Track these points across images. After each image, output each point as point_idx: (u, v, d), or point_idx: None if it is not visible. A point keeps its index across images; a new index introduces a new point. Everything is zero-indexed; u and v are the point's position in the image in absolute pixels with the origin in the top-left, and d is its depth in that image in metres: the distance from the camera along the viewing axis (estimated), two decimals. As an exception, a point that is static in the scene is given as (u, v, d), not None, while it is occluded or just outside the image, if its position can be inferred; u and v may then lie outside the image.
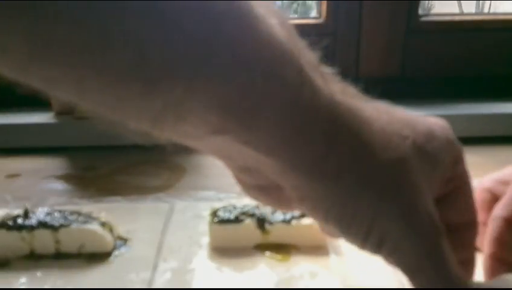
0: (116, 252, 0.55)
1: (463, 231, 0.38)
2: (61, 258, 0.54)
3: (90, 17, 0.23)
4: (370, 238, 0.32)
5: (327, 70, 0.31)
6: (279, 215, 0.55)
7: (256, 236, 0.55)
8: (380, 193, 0.31)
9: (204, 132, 0.28)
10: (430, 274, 0.33)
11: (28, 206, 0.57)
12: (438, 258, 0.33)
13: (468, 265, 0.39)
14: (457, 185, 0.37)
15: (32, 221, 0.54)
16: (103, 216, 0.56)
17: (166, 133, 0.30)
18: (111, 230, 0.55)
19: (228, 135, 0.28)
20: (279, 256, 0.53)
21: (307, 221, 0.54)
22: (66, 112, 0.86)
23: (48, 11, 0.23)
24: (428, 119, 0.36)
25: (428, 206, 0.33)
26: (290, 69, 0.28)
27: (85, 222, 0.54)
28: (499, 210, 0.45)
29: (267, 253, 0.54)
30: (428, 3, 1.32)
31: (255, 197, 0.37)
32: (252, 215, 0.55)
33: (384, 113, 0.33)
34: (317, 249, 0.54)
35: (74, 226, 0.54)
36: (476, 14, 1.23)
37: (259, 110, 0.28)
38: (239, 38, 0.26)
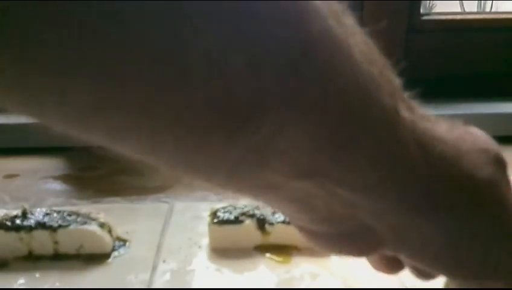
0: (115, 253, 0.55)
1: None
2: (59, 259, 0.54)
3: (169, 49, 0.19)
4: (487, 265, 0.30)
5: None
6: (279, 216, 0.54)
7: (256, 237, 0.54)
8: (490, 217, 0.30)
9: (288, 177, 0.25)
10: None
11: (26, 206, 0.56)
12: None
13: None
14: None
15: (31, 221, 0.53)
16: (102, 217, 0.55)
17: (241, 186, 0.26)
18: (110, 231, 0.55)
19: (318, 178, 0.25)
20: (279, 258, 0.53)
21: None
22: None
23: (124, 44, 0.18)
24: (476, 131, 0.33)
25: None
26: (384, 93, 0.25)
27: (84, 223, 0.54)
28: None
29: (268, 254, 0.53)
30: (430, 3, 1.32)
31: (329, 248, 0.32)
32: (252, 215, 0.54)
33: (457, 132, 0.31)
34: (318, 250, 0.53)
35: (73, 226, 0.53)
36: (477, 13, 1.23)
37: (357, 144, 0.24)
38: (333, 63, 0.23)
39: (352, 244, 0.30)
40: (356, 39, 0.24)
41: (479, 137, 0.31)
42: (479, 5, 1.43)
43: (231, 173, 0.24)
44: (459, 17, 0.92)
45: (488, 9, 1.41)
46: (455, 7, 1.33)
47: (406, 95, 0.28)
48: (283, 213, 0.31)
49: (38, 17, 0.18)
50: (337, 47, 0.23)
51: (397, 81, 0.27)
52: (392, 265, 0.35)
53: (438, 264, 0.31)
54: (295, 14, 0.21)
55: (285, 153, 0.23)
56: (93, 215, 0.55)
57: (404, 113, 0.26)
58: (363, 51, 0.24)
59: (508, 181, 0.31)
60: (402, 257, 0.32)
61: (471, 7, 1.39)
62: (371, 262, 0.37)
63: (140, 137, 0.22)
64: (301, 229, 0.31)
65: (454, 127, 0.30)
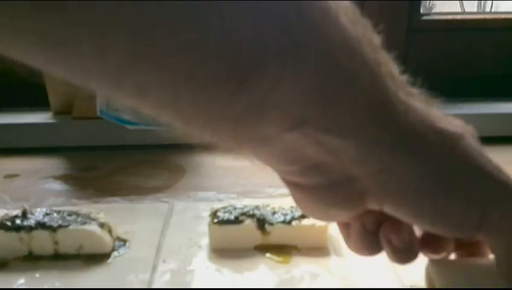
0: (115, 253, 0.54)
1: None
2: (59, 259, 0.53)
3: (189, 17, 0.23)
4: (469, 213, 0.32)
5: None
6: (279, 216, 0.54)
7: (256, 237, 0.54)
8: (466, 159, 0.32)
9: (281, 128, 0.28)
10: None
11: (27, 206, 0.56)
12: None
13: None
14: None
15: (31, 222, 0.53)
16: (102, 217, 0.55)
17: (243, 138, 0.29)
18: (110, 231, 0.55)
19: (308, 127, 0.28)
20: (279, 258, 0.53)
21: (308, 222, 0.53)
22: (64, 112, 0.86)
23: (151, 13, 0.23)
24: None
25: None
26: (368, 48, 0.28)
27: (84, 223, 0.54)
28: None
29: (268, 254, 0.53)
30: (429, 3, 1.32)
31: (318, 199, 0.34)
32: (252, 216, 0.54)
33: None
34: (318, 250, 0.54)
35: (73, 227, 0.53)
36: (477, 13, 1.23)
37: (344, 93, 0.28)
38: (323, 25, 0.26)
39: (339, 196, 0.33)
40: (343, 5, 0.28)
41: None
42: (479, 5, 1.43)
43: (235, 124, 0.27)
44: (459, 17, 0.92)
45: (488, 9, 1.40)
46: (455, 7, 1.33)
47: (387, 55, 0.31)
48: (276, 169, 0.34)
49: None
50: (326, 13, 0.26)
51: (378, 40, 0.30)
52: (370, 243, 0.37)
53: (419, 213, 0.32)
54: None
55: (281, 105, 0.27)
56: (93, 215, 0.55)
57: (383, 65, 0.30)
58: (349, 15, 0.28)
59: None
60: (386, 209, 0.33)
61: (471, 7, 1.39)
62: (350, 242, 0.39)
63: (163, 91, 0.26)
64: (293, 184, 0.34)
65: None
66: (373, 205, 0.33)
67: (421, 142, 0.31)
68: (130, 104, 0.28)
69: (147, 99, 0.27)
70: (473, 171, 0.32)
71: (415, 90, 0.32)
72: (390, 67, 0.30)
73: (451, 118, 0.34)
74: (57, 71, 0.26)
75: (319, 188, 0.33)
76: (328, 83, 0.27)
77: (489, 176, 0.32)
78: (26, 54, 0.25)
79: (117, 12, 0.22)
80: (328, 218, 0.39)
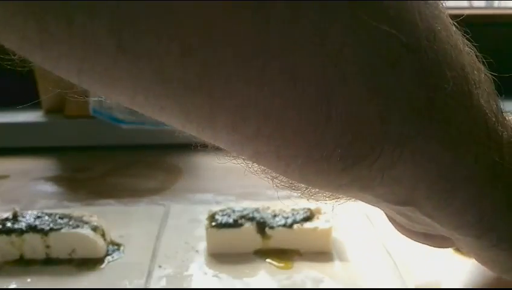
0: (108, 258, 0.53)
1: None
2: (51, 263, 0.52)
3: (316, 101, 0.22)
4: None
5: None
6: (280, 219, 0.53)
7: (256, 241, 0.53)
8: None
9: (386, 201, 0.27)
10: None
11: (17, 209, 0.55)
12: None
13: None
14: None
15: (22, 225, 0.52)
16: (95, 220, 0.54)
17: (344, 195, 0.28)
18: (103, 235, 0.54)
19: (411, 206, 0.27)
20: (280, 263, 0.51)
21: (310, 225, 0.52)
22: (56, 110, 0.84)
23: (283, 93, 0.21)
24: None
25: None
26: (493, 144, 0.26)
27: (76, 226, 0.52)
28: None
29: (268, 259, 0.52)
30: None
31: (416, 239, 0.34)
32: (252, 219, 0.53)
33: None
34: (321, 255, 0.53)
35: (65, 230, 0.52)
36: (486, 8, 1.22)
37: (456, 193, 0.26)
38: (455, 116, 0.24)
39: (435, 242, 0.33)
40: (481, 88, 0.26)
41: None
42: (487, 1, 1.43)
43: (337, 190, 0.26)
44: (467, 11, 0.91)
45: (495, 6, 1.40)
46: (461, 2, 1.33)
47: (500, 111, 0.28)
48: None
49: None
50: (460, 104, 0.24)
51: (497, 103, 0.28)
52: None
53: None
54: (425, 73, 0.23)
55: (389, 185, 0.25)
56: (86, 218, 0.54)
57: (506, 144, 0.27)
58: (484, 99, 0.26)
59: None
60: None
61: (478, 2, 1.39)
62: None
63: (277, 161, 0.24)
64: (390, 219, 0.34)
65: None
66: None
67: None
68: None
69: (260, 164, 0.26)
70: None
71: None
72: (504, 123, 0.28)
73: None
74: (189, 131, 0.24)
75: (417, 234, 0.33)
76: (443, 179, 0.25)
77: None
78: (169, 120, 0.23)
79: (255, 99, 0.21)
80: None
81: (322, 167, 0.24)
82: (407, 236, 0.34)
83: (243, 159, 0.26)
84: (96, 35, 0.18)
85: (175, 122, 0.23)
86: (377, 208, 0.33)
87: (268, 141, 0.23)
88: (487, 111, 0.25)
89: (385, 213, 0.34)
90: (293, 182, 0.27)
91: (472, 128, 0.25)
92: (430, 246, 0.34)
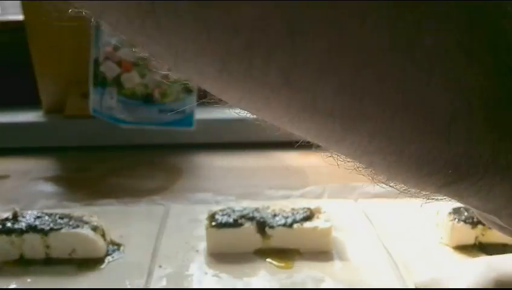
0: (108, 258, 0.53)
1: None
2: (51, 263, 0.52)
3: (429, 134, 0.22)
4: None
5: None
6: (280, 219, 0.53)
7: (256, 241, 0.53)
8: None
9: (472, 207, 0.28)
10: None
11: (17, 209, 0.55)
12: None
13: None
14: None
15: (22, 225, 0.52)
16: (95, 220, 0.54)
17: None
18: (103, 235, 0.54)
19: (494, 216, 0.28)
20: (281, 263, 0.51)
21: (310, 224, 0.52)
22: (56, 110, 0.84)
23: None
24: None
25: None
26: None
27: (76, 226, 0.52)
28: None
29: (268, 259, 0.52)
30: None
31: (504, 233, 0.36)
32: (252, 218, 0.53)
33: None
34: (321, 254, 0.52)
35: (65, 230, 0.52)
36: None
37: None
38: None
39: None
40: None
41: None
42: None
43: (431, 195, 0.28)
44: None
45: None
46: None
47: None
48: None
49: None
50: None
51: None
52: None
53: None
54: None
55: (481, 200, 0.26)
56: (86, 218, 0.54)
57: None
58: None
59: None
60: None
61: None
62: None
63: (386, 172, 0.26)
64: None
65: None
66: None
67: None
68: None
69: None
70: None
71: None
72: None
73: None
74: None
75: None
76: None
77: None
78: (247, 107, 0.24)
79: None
80: None
81: (424, 180, 0.25)
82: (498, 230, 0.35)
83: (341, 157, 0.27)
84: (268, 74, 0.20)
85: (311, 137, 0.25)
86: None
87: (385, 156, 0.24)
88: None
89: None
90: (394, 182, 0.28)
91: None
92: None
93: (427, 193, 0.28)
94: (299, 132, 0.25)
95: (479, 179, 0.24)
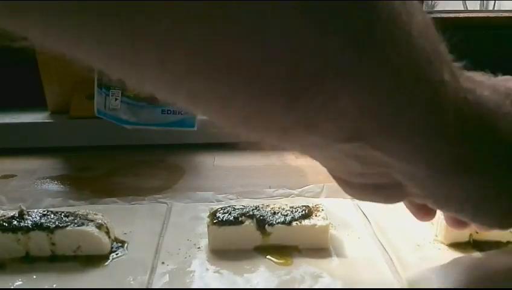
0: (113, 255, 0.54)
1: None
2: (57, 260, 0.53)
3: (251, 32, 0.22)
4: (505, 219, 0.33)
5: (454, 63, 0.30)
6: (279, 217, 0.54)
7: (256, 238, 0.54)
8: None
9: (333, 140, 0.28)
10: None
11: (23, 207, 0.55)
12: None
13: None
14: None
15: (28, 222, 0.53)
16: (100, 218, 0.55)
17: (290, 145, 0.30)
18: (108, 232, 0.54)
19: (360, 142, 0.27)
20: (280, 259, 0.52)
21: (308, 222, 0.53)
22: (61, 111, 0.85)
23: (214, 24, 0.22)
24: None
25: None
26: (433, 70, 0.27)
27: (81, 224, 0.53)
28: None
29: (268, 256, 0.53)
30: (431, 3, 1.31)
31: (361, 196, 0.36)
32: (252, 216, 0.54)
33: (490, 86, 0.32)
34: (319, 251, 0.53)
35: (70, 228, 0.52)
36: (480, 11, 1.22)
37: (402, 117, 0.27)
38: (392, 44, 0.25)
39: (383, 195, 0.35)
40: (417, 18, 0.26)
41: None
42: (482, 4, 1.42)
43: (283, 135, 0.27)
44: (462, 15, 0.91)
45: (490, 8, 1.40)
46: (457, 6, 1.32)
47: (453, 61, 0.30)
48: (323, 165, 0.34)
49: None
50: (398, 27, 0.24)
51: (446, 51, 0.29)
52: (423, 212, 0.41)
53: (462, 214, 0.34)
54: None
55: (335, 119, 0.26)
56: (90, 216, 0.55)
57: (448, 77, 0.28)
58: (421, 28, 0.26)
59: None
60: (429, 205, 0.35)
61: (473, 6, 1.38)
62: (405, 204, 0.42)
63: (215, 101, 0.25)
64: (338, 179, 0.35)
65: (496, 86, 0.32)
66: (415, 200, 0.35)
67: (476, 162, 0.30)
68: (182, 105, 0.27)
69: (198, 106, 0.27)
70: None
71: (490, 100, 0.31)
72: (460, 84, 0.29)
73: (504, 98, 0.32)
74: (114, 74, 0.25)
75: (366, 187, 0.34)
76: (387, 104, 0.26)
77: None
78: (89, 57, 0.25)
79: (179, 28, 0.21)
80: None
81: (263, 104, 0.25)
82: (356, 196, 0.36)
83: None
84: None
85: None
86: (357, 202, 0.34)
87: (201, 77, 0.24)
88: (425, 43, 0.26)
89: (336, 180, 0.35)
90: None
91: (412, 53, 0.25)
92: (378, 202, 0.36)
93: (276, 137, 0.28)
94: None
95: (319, 88, 0.24)
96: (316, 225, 0.53)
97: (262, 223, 0.53)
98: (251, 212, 0.54)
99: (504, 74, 0.92)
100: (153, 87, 0.26)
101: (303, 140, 0.28)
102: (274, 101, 0.24)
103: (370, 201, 0.36)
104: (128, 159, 0.79)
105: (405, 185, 0.32)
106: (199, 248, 0.55)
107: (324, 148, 0.29)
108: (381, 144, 0.28)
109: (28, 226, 0.52)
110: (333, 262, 0.52)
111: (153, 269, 0.51)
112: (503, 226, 0.34)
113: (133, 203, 0.65)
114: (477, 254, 0.44)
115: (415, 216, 0.42)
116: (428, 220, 0.42)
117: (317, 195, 0.66)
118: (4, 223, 0.53)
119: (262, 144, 0.29)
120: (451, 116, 0.28)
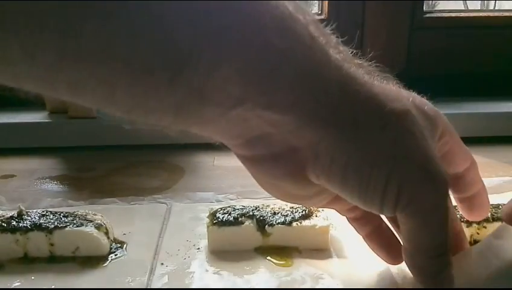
0: (112, 256, 0.53)
1: (467, 174, 0.41)
2: (55, 261, 0.53)
3: (117, 8, 0.23)
4: (388, 190, 0.33)
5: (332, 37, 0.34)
6: (279, 217, 0.53)
7: (256, 238, 0.53)
8: (394, 140, 0.33)
9: (224, 108, 0.30)
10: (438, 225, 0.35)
11: (22, 207, 0.55)
12: (446, 209, 0.35)
13: (480, 198, 0.43)
14: (448, 140, 0.39)
15: (27, 223, 0.53)
16: (99, 218, 0.54)
17: (187, 122, 0.32)
18: (107, 233, 0.54)
19: (248, 104, 0.30)
20: (280, 260, 0.52)
21: (309, 223, 0.53)
22: (59, 111, 0.85)
23: (78, 10, 0.23)
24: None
25: (438, 155, 0.35)
26: (300, 25, 0.30)
27: (80, 225, 0.53)
28: None
29: (268, 257, 0.52)
30: (432, 2, 1.31)
31: (265, 171, 0.37)
32: (252, 217, 0.53)
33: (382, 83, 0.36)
34: (320, 252, 0.53)
35: (69, 228, 0.52)
36: (481, 10, 1.22)
37: (278, 71, 0.29)
38: (253, 5, 0.27)
39: (282, 166, 0.36)
40: None
41: (403, 90, 0.37)
42: (483, 4, 1.42)
43: (177, 110, 0.29)
44: (463, 14, 0.91)
45: (491, 8, 1.40)
46: (457, 5, 1.32)
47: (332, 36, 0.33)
48: (225, 142, 0.37)
49: None
50: None
51: (311, 14, 0.32)
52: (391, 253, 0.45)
53: (346, 187, 0.35)
54: None
55: (220, 87, 0.28)
56: (89, 216, 0.54)
57: (319, 38, 0.31)
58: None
59: (428, 130, 0.35)
60: (322, 183, 0.36)
61: (474, 5, 1.38)
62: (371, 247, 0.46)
63: (98, 86, 0.26)
64: (243, 158, 0.37)
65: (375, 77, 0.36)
66: (313, 179, 0.36)
67: (354, 119, 0.32)
68: (68, 100, 0.28)
69: (83, 96, 0.27)
70: (398, 152, 0.33)
71: (365, 63, 0.35)
72: (330, 40, 0.32)
73: (399, 91, 0.36)
74: None
75: (265, 159, 0.36)
76: (262, 61, 0.28)
77: (413, 159, 0.34)
78: None
79: (44, 12, 0.22)
80: (287, 197, 0.41)
81: (148, 82, 0.26)
82: (261, 172, 0.38)
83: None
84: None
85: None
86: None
87: (77, 64, 0.25)
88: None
89: (240, 158, 0.37)
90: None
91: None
92: (278, 175, 0.37)
93: (170, 119, 0.30)
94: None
95: (198, 58, 0.26)
96: (316, 225, 0.53)
97: (262, 224, 0.53)
98: (251, 213, 0.54)
99: (504, 73, 0.92)
100: (31, 85, 0.26)
101: (199, 116, 0.30)
102: (158, 78, 0.26)
103: (277, 176, 0.37)
104: (127, 159, 0.79)
105: (299, 149, 0.34)
106: (199, 248, 0.55)
107: (219, 120, 0.31)
108: (266, 102, 0.30)
109: (26, 227, 0.52)
110: (334, 263, 0.52)
111: (152, 270, 0.51)
112: (383, 206, 0.35)
113: (132, 203, 0.65)
114: (476, 254, 0.44)
115: (385, 260, 0.46)
116: (399, 261, 0.46)
117: (317, 195, 0.66)
118: (3, 224, 0.53)
119: (165, 129, 0.32)
120: (325, 70, 0.31)
